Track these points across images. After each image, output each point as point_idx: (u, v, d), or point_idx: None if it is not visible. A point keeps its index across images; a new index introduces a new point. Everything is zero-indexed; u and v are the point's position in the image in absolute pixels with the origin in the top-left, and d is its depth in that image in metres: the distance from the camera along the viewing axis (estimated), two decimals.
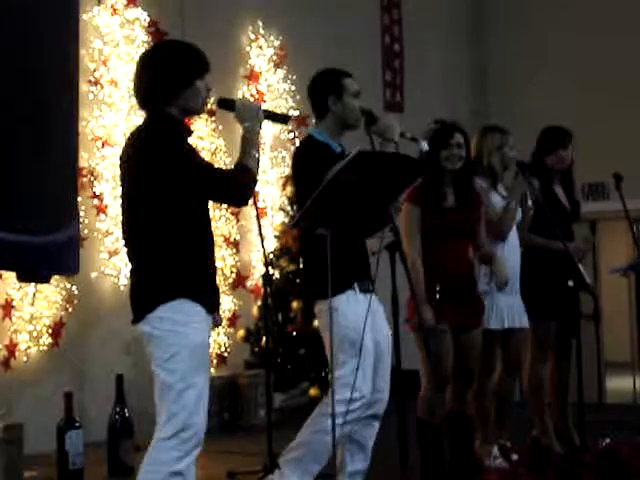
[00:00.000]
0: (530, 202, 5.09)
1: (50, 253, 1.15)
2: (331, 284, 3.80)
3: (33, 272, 1.20)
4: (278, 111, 3.64)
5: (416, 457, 4.33)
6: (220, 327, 7.37)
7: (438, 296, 4.38)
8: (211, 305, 3.28)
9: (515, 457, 4.76)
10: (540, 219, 5.09)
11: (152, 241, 3.20)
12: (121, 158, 3.30)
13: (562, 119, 5.74)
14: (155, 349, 3.17)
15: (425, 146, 4.13)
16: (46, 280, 1.24)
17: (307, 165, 3.92)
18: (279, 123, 3.64)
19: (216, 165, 3.42)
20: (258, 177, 3.34)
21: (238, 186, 3.23)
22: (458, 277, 4.54)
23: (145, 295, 3.22)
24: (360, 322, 3.72)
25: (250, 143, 3.30)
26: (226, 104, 3.43)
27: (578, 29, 9.44)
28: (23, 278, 1.23)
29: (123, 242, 3.38)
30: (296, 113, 7.86)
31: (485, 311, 4.71)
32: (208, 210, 3.34)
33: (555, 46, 9.54)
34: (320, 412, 3.91)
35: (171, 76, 3.23)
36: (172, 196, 3.14)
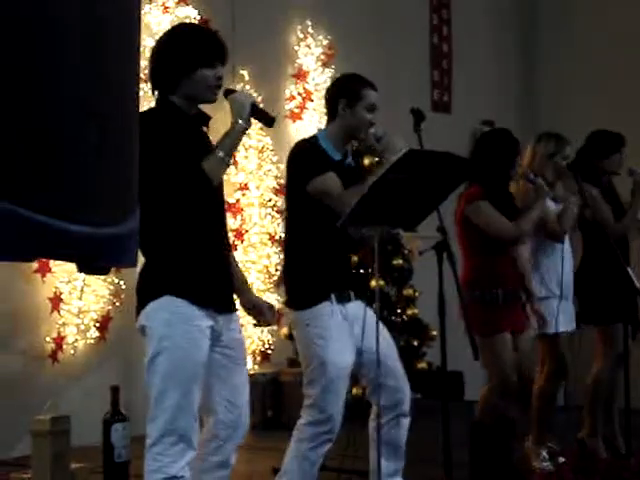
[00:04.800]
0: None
1: (112, 245, 1.16)
2: (306, 295, 3.73)
3: (94, 264, 1.22)
4: (270, 113, 3.33)
5: (460, 458, 4.32)
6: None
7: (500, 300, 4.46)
8: (212, 301, 3.09)
9: (562, 460, 4.73)
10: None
11: (145, 235, 2.85)
12: None
13: (610, 121, 5.69)
14: (146, 348, 3.12)
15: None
16: (106, 272, 1.26)
17: (296, 167, 3.82)
18: (262, 123, 3.38)
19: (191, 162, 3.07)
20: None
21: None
22: (512, 281, 4.56)
23: (140, 291, 3.16)
24: (331, 339, 3.65)
25: (224, 142, 3.08)
26: (226, 94, 3.24)
27: (626, 35, 9.34)
28: (83, 269, 1.25)
29: None
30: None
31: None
32: (210, 202, 3.14)
33: (604, 48, 9.43)
34: (296, 438, 3.79)
35: (171, 64, 3.10)
36: (156, 189, 2.93)
